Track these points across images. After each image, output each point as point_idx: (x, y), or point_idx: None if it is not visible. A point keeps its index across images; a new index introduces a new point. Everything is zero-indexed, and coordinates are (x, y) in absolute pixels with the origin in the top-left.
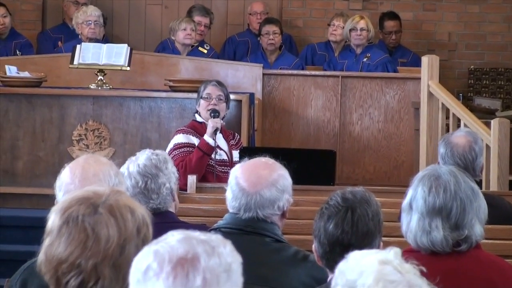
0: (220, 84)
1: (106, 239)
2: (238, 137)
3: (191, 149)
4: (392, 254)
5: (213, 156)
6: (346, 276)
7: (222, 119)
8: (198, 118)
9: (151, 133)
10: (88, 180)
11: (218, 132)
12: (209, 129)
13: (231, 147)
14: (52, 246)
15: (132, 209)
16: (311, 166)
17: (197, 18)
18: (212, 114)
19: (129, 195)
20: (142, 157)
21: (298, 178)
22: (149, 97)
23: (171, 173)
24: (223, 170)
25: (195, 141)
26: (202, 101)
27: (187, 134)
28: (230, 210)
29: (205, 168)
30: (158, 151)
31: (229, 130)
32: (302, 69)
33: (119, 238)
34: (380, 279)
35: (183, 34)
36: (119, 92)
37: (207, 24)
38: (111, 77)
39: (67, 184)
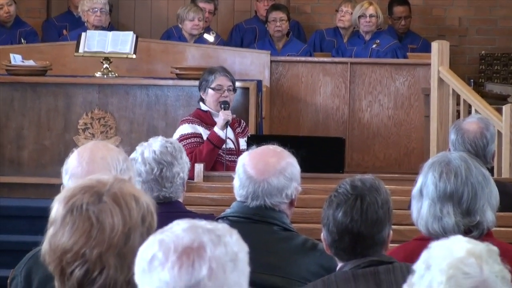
0: (228, 73)
1: (111, 227)
2: (244, 124)
3: (198, 140)
4: (485, 250)
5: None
6: (430, 253)
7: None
8: (203, 107)
9: (157, 121)
10: (95, 163)
11: (228, 124)
12: (220, 121)
13: (237, 135)
14: (56, 236)
15: (136, 197)
16: (320, 153)
17: (201, 4)
18: (223, 106)
19: (142, 181)
20: (156, 144)
21: (307, 166)
22: (155, 85)
23: (184, 163)
24: (230, 159)
25: (201, 130)
26: (211, 92)
27: (192, 123)
28: (238, 199)
29: (214, 160)
30: (171, 139)
31: (235, 117)
32: (310, 55)
33: (124, 227)
34: (454, 266)
35: (191, 25)
36: (125, 80)
37: (211, 11)
38: (117, 65)
39: (74, 167)
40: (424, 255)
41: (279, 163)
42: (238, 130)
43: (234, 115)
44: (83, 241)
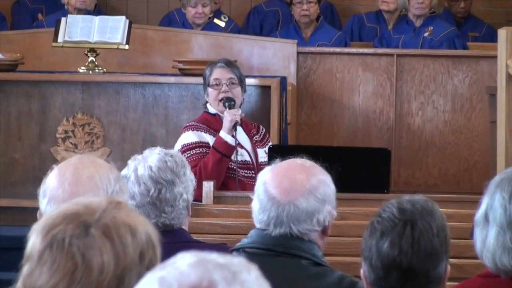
0: (229, 64)
1: (100, 268)
2: (264, 130)
3: (204, 150)
4: None
5: (233, 157)
6: None
7: (239, 107)
8: (210, 109)
9: (156, 128)
10: (81, 184)
11: (238, 125)
12: (226, 123)
13: (255, 145)
14: (32, 276)
15: (133, 229)
16: (359, 169)
17: None
18: (226, 104)
19: (136, 204)
20: (153, 158)
21: (344, 184)
22: (153, 82)
23: (189, 181)
24: (246, 174)
25: (209, 139)
26: (210, 90)
27: (197, 130)
28: (257, 225)
29: (224, 173)
30: (172, 151)
31: (251, 122)
32: (346, 45)
33: (116, 267)
34: None
35: (193, 12)
36: (115, 77)
37: None
38: (106, 58)
39: (54, 189)
40: None
41: (308, 181)
42: (257, 138)
43: (243, 114)
44: (64, 284)
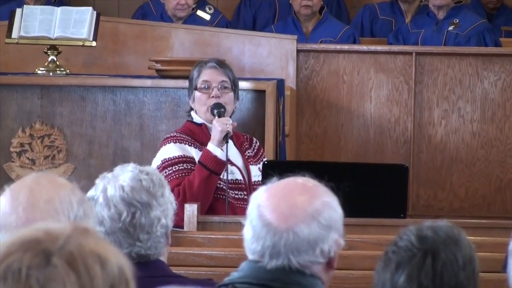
0: (221, 64)
1: None
2: (257, 144)
3: (189, 166)
4: None
5: (222, 175)
6: None
7: (230, 116)
8: (196, 118)
9: (129, 141)
10: (37, 209)
11: (229, 137)
12: (216, 134)
13: (247, 161)
14: None
15: (103, 259)
16: (371, 189)
17: None
18: (215, 112)
19: (105, 231)
20: (125, 176)
21: (352, 207)
22: (126, 86)
23: (168, 203)
24: (236, 196)
25: (194, 153)
26: (197, 94)
27: (180, 143)
28: (249, 257)
29: (213, 194)
30: (148, 168)
31: (243, 134)
32: (355, 42)
33: None
34: None
35: (174, 3)
36: (80, 80)
37: None
38: (69, 57)
39: (6, 215)
40: None
41: (311, 204)
42: (249, 153)
43: (235, 123)
44: None
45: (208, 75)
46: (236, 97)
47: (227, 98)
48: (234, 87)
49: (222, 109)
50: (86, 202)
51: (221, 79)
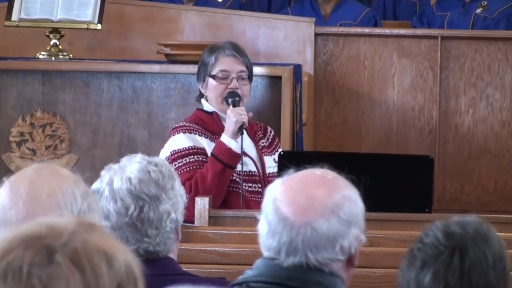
0: (240, 52)
1: None
2: (272, 133)
3: (200, 158)
4: None
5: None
6: None
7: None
8: (207, 106)
9: (136, 130)
10: (38, 203)
11: (244, 128)
12: (231, 125)
13: (261, 151)
14: None
15: (109, 256)
16: (394, 181)
17: None
18: (230, 100)
19: (111, 226)
20: (132, 168)
21: (374, 201)
22: (133, 72)
23: (178, 197)
24: (250, 189)
25: (205, 143)
26: (211, 82)
27: (190, 133)
28: (265, 253)
29: (226, 188)
30: (157, 159)
31: (257, 122)
32: (377, 25)
33: None
34: None
35: None
36: (84, 65)
37: None
38: (72, 41)
39: (5, 209)
40: None
41: (330, 198)
42: (263, 143)
43: (251, 113)
44: None
45: (226, 64)
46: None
47: (245, 90)
48: (250, 77)
49: (237, 98)
50: (91, 195)
51: (240, 69)
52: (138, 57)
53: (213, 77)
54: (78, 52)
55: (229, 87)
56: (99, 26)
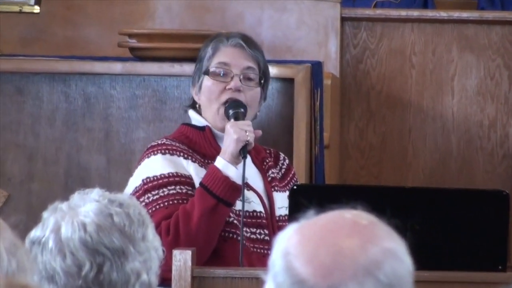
0: (249, 43)
1: None
2: (286, 162)
3: (184, 189)
4: None
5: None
6: None
7: (252, 121)
8: (196, 119)
9: (89, 155)
10: None
11: (248, 150)
12: (230, 145)
13: (270, 185)
14: None
15: None
16: (454, 228)
17: None
18: (231, 112)
19: None
20: (87, 208)
21: (427, 255)
22: (84, 73)
23: (151, 250)
24: (254, 236)
25: (192, 169)
26: (207, 82)
27: (172, 154)
28: None
29: (219, 233)
30: (121, 197)
31: (265, 148)
32: (426, 6)
33: None
34: None
35: None
36: (16, 64)
37: None
38: (1, 31)
39: None
40: None
41: (365, 252)
42: (274, 173)
43: (260, 131)
44: None
45: (228, 55)
46: (264, 95)
47: (251, 95)
48: (264, 79)
49: (242, 110)
50: (22, 250)
51: (247, 65)
52: (91, 52)
53: (209, 73)
54: (8, 45)
55: (227, 87)
56: (37, 9)
